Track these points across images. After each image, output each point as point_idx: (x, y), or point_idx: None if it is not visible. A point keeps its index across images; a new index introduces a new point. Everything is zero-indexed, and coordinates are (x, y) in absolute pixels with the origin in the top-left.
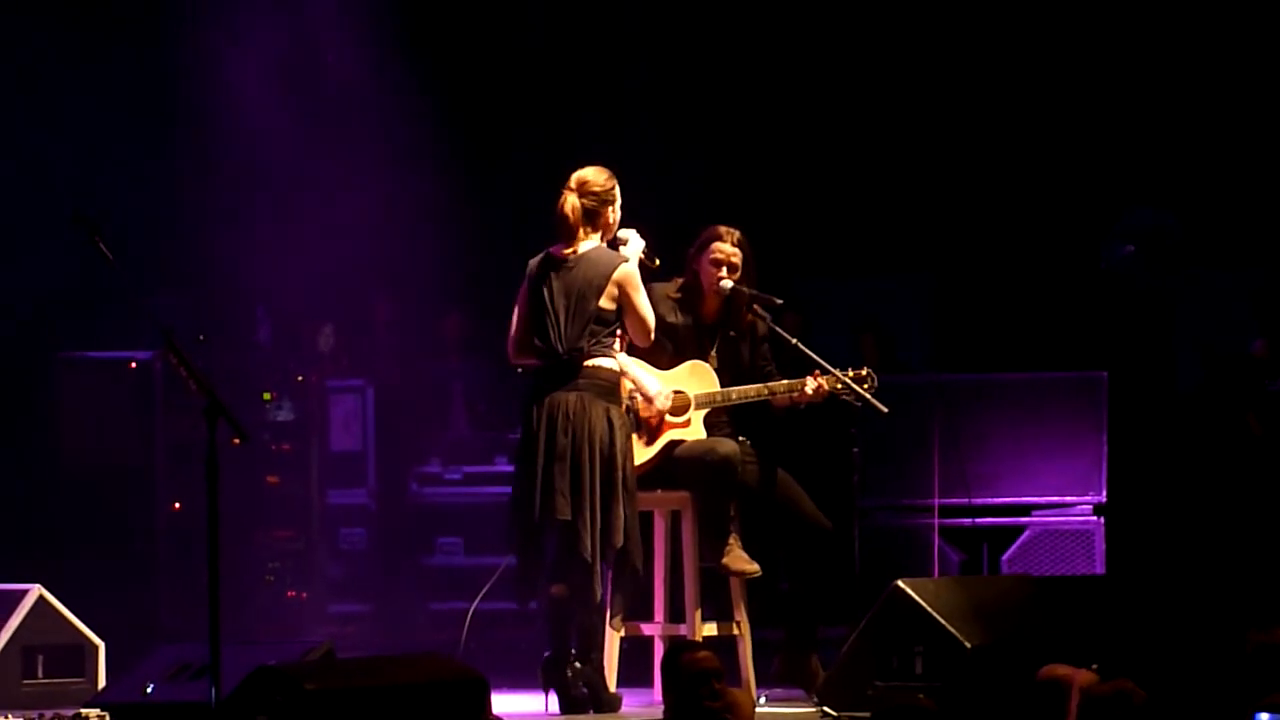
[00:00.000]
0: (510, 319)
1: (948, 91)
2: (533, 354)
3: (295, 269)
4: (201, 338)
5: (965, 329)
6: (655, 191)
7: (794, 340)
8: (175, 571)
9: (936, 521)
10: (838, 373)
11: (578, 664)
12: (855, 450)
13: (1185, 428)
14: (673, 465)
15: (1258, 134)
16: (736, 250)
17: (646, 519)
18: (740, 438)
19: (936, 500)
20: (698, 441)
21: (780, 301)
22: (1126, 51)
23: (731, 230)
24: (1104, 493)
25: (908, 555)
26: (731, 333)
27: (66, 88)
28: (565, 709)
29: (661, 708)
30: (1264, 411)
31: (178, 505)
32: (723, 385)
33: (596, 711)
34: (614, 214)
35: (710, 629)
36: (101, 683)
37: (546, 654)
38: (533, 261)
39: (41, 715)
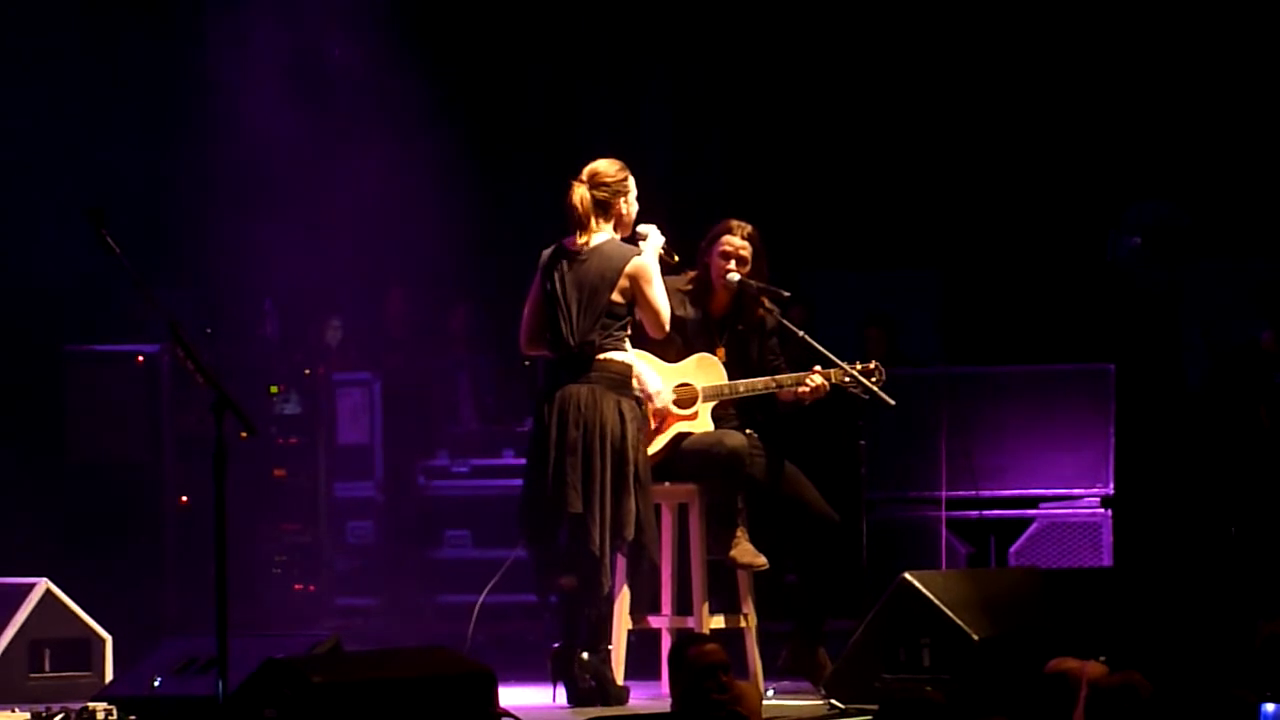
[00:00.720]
0: (521, 311)
1: (956, 84)
2: (544, 346)
3: (302, 263)
4: (209, 331)
5: (972, 322)
6: (668, 187)
7: (801, 333)
8: (182, 565)
9: (944, 514)
10: (845, 366)
11: (586, 656)
12: (862, 443)
13: (1193, 419)
14: (680, 458)
15: (1263, 125)
16: (746, 244)
17: (654, 511)
18: (748, 430)
19: (944, 493)
20: (705, 434)
21: (788, 294)
22: (1131, 46)
23: (743, 224)
24: (1111, 485)
25: (915, 548)
26: (740, 326)
27: (73, 81)
28: (573, 701)
29: (669, 700)
30: (1273, 403)
31: (185, 499)
32: (731, 378)
33: (604, 704)
34: (627, 206)
35: (718, 621)
36: (109, 676)
37: (555, 646)
38: (545, 253)
39: (49, 709)
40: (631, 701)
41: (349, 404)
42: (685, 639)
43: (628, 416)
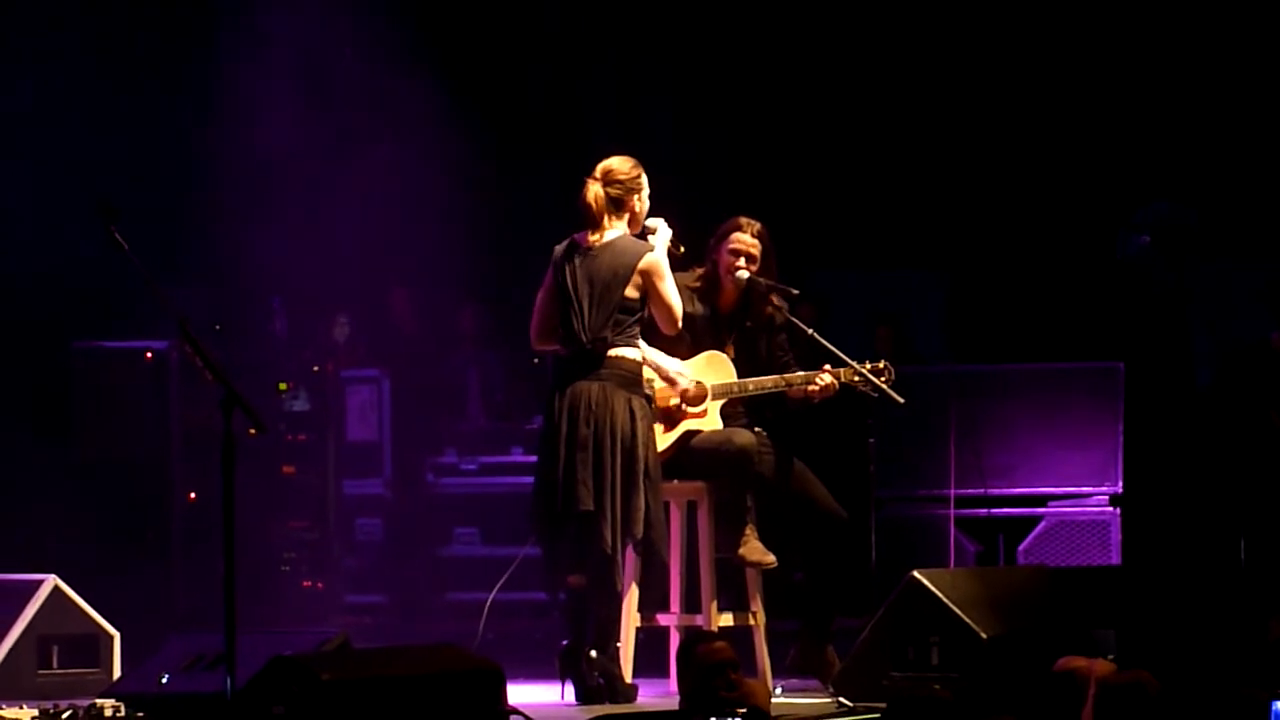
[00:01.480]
0: (531, 307)
1: (964, 84)
2: (555, 342)
3: (311, 260)
4: (217, 328)
5: (981, 320)
6: (677, 184)
7: (810, 331)
8: (191, 562)
9: (952, 512)
10: (855, 364)
11: (594, 654)
12: (871, 441)
13: (1202, 418)
14: (689, 456)
15: (1274, 125)
16: (756, 242)
17: (663, 509)
18: (756, 428)
19: (952, 491)
20: (714, 432)
21: (797, 292)
22: (1139, 45)
23: (752, 222)
24: (1120, 483)
25: (924, 546)
26: (749, 323)
27: (82, 78)
28: (581, 699)
29: (677, 698)
30: None
31: (193, 496)
32: (740, 375)
33: (612, 701)
34: (641, 203)
35: (726, 619)
36: (117, 673)
37: (563, 644)
38: (558, 248)
39: (56, 706)
40: (640, 699)
41: (358, 401)
42: (694, 637)
43: (638, 414)
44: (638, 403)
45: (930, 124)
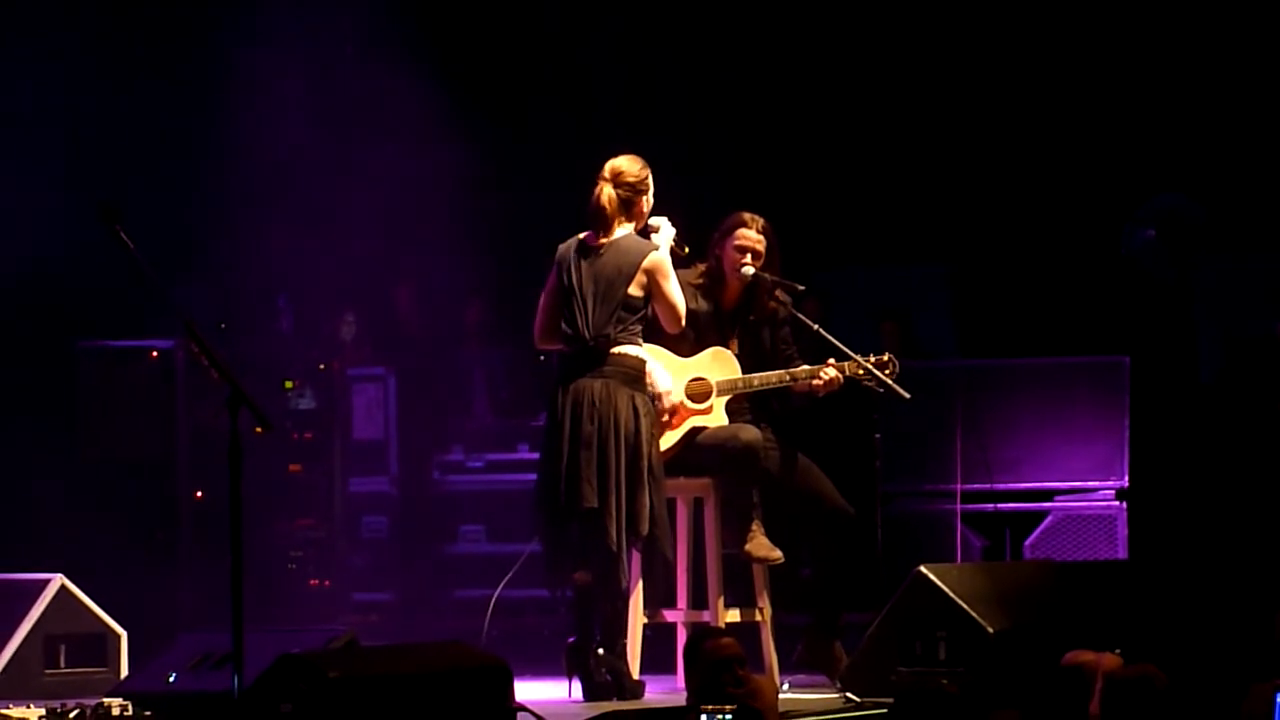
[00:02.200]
0: (535, 306)
1: (968, 79)
2: (559, 339)
3: (317, 258)
4: (223, 326)
5: (987, 315)
6: (680, 180)
7: (815, 326)
8: (197, 560)
9: (959, 507)
10: (860, 358)
11: (601, 651)
12: (877, 436)
13: (1208, 412)
14: (695, 452)
15: (1277, 118)
16: (760, 237)
17: (669, 506)
18: (762, 424)
19: (959, 485)
20: (720, 428)
21: (802, 288)
22: (1143, 38)
23: (756, 217)
24: (1126, 477)
25: (930, 541)
26: (753, 319)
27: (88, 76)
28: (588, 696)
29: (685, 694)
30: None
31: (200, 494)
32: (744, 370)
33: (620, 698)
34: (647, 203)
35: (733, 615)
36: (124, 672)
37: (570, 640)
38: (563, 247)
39: (64, 705)
40: (647, 696)
41: (364, 399)
42: (701, 633)
43: (641, 411)
44: (641, 400)
45: (935, 119)
